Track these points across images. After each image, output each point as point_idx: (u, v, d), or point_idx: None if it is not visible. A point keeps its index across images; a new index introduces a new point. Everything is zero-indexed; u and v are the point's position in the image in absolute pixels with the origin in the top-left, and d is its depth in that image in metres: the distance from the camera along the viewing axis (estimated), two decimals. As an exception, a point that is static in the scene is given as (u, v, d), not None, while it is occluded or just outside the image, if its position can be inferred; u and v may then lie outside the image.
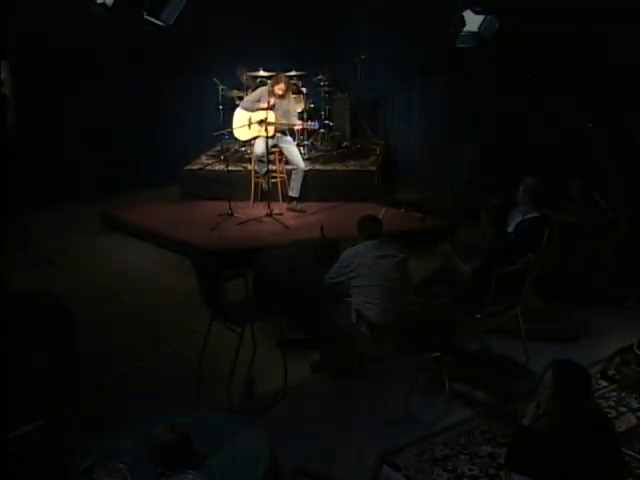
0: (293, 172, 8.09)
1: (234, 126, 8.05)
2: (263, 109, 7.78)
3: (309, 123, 8.18)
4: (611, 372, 4.88)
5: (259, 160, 7.90)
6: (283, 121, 7.83)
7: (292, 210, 8.03)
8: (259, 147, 7.83)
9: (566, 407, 2.89)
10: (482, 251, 5.08)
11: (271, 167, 7.90)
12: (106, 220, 8.25)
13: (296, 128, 8.22)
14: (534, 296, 5.79)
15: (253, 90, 8.40)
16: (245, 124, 7.83)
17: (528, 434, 3.00)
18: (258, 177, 8.13)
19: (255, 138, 7.92)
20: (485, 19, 7.20)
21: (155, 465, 3.00)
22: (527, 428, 3.03)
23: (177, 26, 5.99)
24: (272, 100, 7.76)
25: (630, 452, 3.92)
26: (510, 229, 5.51)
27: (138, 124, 9.51)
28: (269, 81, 8.18)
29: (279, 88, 7.79)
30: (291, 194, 8.11)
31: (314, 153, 8.94)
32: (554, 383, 2.91)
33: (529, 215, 5.52)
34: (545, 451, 2.87)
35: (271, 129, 7.60)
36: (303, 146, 8.79)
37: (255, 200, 8.18)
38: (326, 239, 5.44)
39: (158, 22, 5.91)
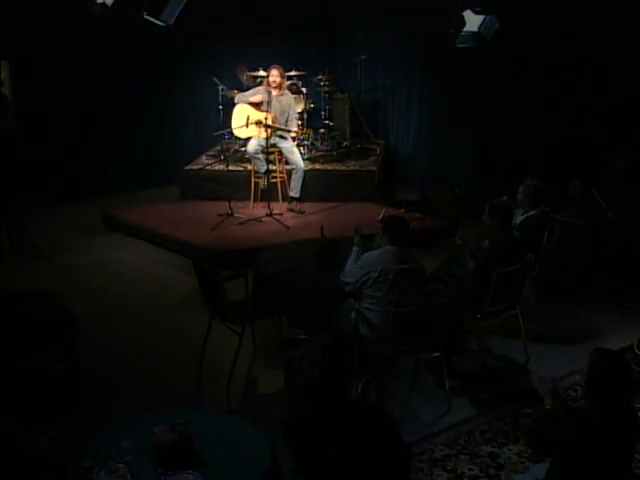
0: (293, 172, 8.09)
1: (233, 123, 8.05)
2: (254, 105, 7.78)
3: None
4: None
5: (254, 158, 7.90)
6: (281, 118, 7.82)
7: (292, 210, 8.03)
8: (251, 146, 7.84)
9: (597, 393, 2.92)
10: (485, 249, 5.07)
11: (271, 167, 7.91)
12: (106, 220, 8.25)
13: (292, 135, 8.17)
14: (534, 296, 5.79)
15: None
16: (243, 124, 7.83)
17: (561, 416, 3.03)
18: (258, 177, 8.13)
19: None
20: (485, 19, 7.19)
21: (155, 465, 3.00)
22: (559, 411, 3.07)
23: (177, 26, 5.99)
24: (261, 96, 7.73)
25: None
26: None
27: (138, 124, 9.52)
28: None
29: (272, 75, 7.77)
30: (291, 194, 8.11)
31: (314, 153, 8.95)
32: (592, 368, 2.96)
33: (530, 214, 5.52)
34: (575, 434, 2.91)
35: (268, 130, 7.59)
36: (303, 146, 8.80)
37: (255, 200, 8.18)
38: (326, 239, 5.43)
39: (158, 22, 5.90)
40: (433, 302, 4.47)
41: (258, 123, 7.68)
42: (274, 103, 7.75)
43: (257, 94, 7.86)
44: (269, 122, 7.62)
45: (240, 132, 8.05)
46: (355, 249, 4.73)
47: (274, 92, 7.77)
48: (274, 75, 7.77)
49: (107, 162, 9.28)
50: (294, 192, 8.09)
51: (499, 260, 4.82)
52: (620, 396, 2.94)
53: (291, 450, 2.80)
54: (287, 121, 7.89)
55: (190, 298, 6.03)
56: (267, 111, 7.68)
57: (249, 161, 8.29)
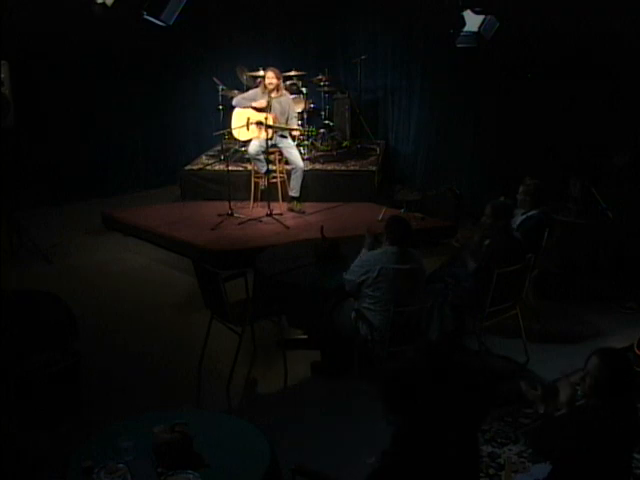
0: (292, 172, 8.09)
1: (233, 126, 8.06)
2: (254, 108, 7.78)
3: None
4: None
5: (255, 159, 7.91)
6: (282, 120, 7.82)
7: (292, 210, 8.03)
8: (252, 147, 7.84)
9: (607, 394, 2.92)
10: (486, 249, 5.07)
11: (271, 167, 7.91)
12: (106, 220, 8.24)
13: (294, 134, 8.16)
14: (534, 296, 5.79)
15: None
16: (243, 125, 7.83)
17: (561, 418, 3.03)
18: (258, 177, 8.13)
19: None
20: (485, 19, 7.20)
21: (155, 465, 3.00)
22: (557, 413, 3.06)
23: (177, 26, 5.99)
24: (264, 102, 7.73)
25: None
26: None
27: (138, 124, 9.52)
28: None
29: (268, 77, 7.74)
30: (291, 194, 8.12)
31: (314, 153, 8.95)
32: (599, 369, 2.94)
33: (530, 214, 5.53)
34: (578, 435, 2.90)
35: (269, 131, 7.59)
36: (303, 146, 8.80)
37: (255, 200, 8.18)
38: (326, 239, 5.43)
39: (158, 22, 5.89)
40: (432, 303, 4.47)
41: (259, 124, 7.68)
42: (274, 104, 7.74)
43: (258, 98, 7.83)
44: (269, 123, 7.61)
45: (240, 135, 8.05)
46: (363, 250, 4.74)
47: (273, 94, 7.75)
48: (270, 77, 7.74)
49: (107, 162, 9.28)
50: (294, 191, 8.09)
51: (499, 260, 4.82)
52: (627, 396, 2.94)
53: (389, 398, 2.83)
54: (287, 121, 7.89)
55: (190, 298, 6.03)
56: (266, 111, 7.67)
57: (249, 161, 8.30)
